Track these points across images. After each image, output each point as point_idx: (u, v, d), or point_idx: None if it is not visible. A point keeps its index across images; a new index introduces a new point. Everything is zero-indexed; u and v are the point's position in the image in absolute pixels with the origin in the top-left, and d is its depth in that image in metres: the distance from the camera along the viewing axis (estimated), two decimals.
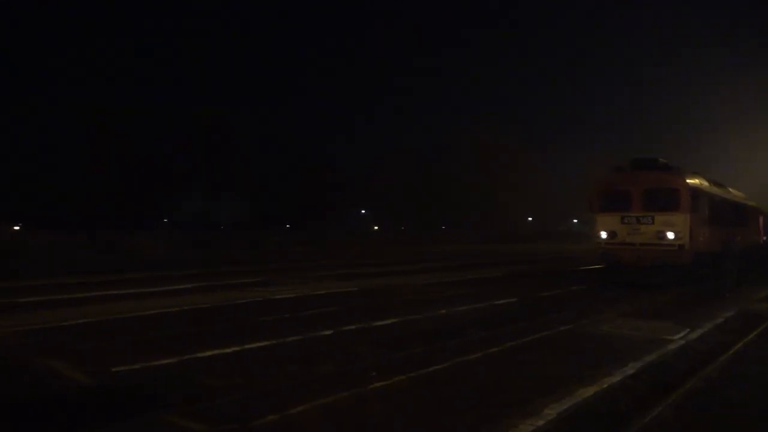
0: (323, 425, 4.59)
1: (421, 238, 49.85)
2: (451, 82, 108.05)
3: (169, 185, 51.09)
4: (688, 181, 14.41)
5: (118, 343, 7.46)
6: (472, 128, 63.41)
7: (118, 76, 68.00)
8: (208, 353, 6.83)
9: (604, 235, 15.20)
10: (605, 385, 5.63)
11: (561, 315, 9.97)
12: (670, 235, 13.91)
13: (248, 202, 60.56)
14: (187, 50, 79.03)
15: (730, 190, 19.83)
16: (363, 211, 79.50)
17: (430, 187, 65.73)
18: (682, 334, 8.30)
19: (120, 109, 48.40)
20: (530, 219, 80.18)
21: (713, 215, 15.57)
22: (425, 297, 12.39)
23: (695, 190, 14.40)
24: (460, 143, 65.20)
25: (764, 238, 25.66)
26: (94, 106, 47.80)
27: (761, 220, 24.86)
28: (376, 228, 76.00)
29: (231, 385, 5.55)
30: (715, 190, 16.86)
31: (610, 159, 24.91)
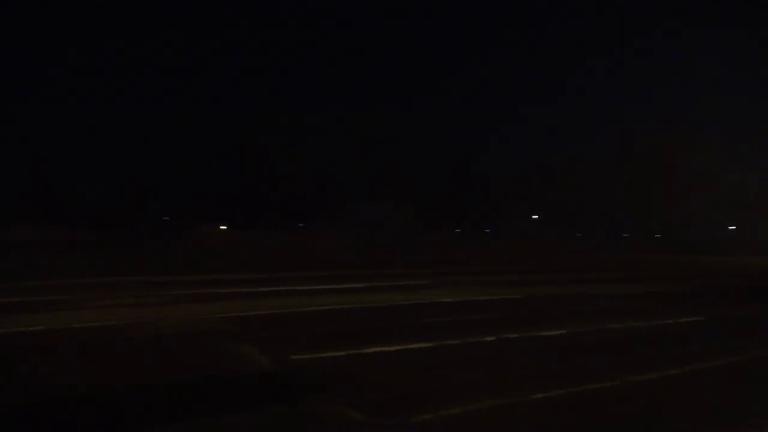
0: (474, 430, 4.67)
1: (597, 246, 46.77)
2: (628, 83, 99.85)
3: (340, 189, 54.79)
4: None
5: (297, 334, 8.31)
6: (659, 130, 58.08)
7: (295, 86, 74.57)
8: (373, 350, 7.29)
9: None
10: None
11: (756, 339, 8.77)
12: None
13: (414, 205, 62.28)
14: (352, 60, 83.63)
15: None
16: (535, 217, 77.09)
17: (609, 192, 61.58)
18: None
19: (297, 120, 53.25)
20: (732, 227, 70.74)
21: None
22: (596, 309, 11.71)
23: None
24: (647, 148, 60.09)
25: None
26: (277, 118, 53.30)
27: None
28: (548, 234, 73.16)
29: (390, 382, 5.88)
30: None
31: None
